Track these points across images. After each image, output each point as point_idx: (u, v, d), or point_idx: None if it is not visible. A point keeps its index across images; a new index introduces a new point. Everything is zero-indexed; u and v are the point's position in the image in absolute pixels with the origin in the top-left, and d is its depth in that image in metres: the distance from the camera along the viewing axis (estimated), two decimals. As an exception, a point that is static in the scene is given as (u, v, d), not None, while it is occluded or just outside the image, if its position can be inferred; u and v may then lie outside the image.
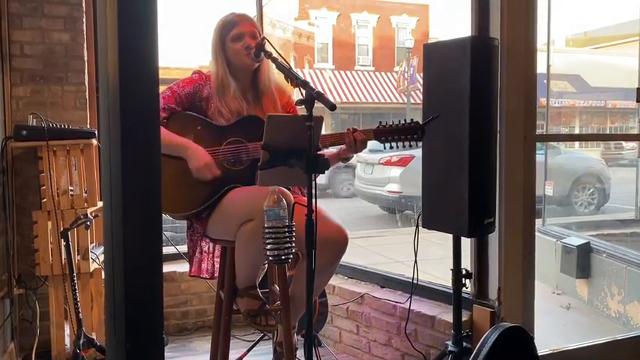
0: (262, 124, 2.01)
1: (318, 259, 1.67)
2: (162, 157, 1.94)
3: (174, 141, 2.02)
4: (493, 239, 2.38)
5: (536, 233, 2.48)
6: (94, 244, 2.73)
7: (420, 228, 2.30)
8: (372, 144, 2.04)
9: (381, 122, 2.00)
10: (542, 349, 2.31)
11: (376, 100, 18.03)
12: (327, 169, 1.67)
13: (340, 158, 2.07)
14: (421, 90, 2.60)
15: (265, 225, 1.80)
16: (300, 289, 2.06)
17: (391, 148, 2.00)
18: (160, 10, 1.15)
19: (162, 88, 2.07)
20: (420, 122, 2.00)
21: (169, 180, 2.03)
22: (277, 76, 2.15)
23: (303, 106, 1.66)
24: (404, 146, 2.00)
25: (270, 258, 1.82)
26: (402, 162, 7.66)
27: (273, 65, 2.01)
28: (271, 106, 2.17)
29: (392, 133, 1.97)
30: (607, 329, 3.65)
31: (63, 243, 2.45)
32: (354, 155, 2.12)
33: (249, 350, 2.53)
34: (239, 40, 2.08)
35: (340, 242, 2.03)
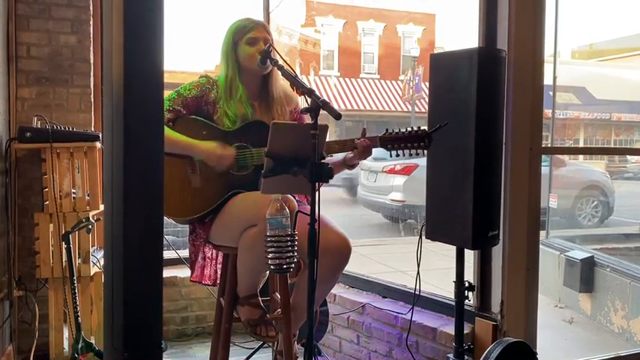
0: (268, 130, 2.01)
1: (319, 268, 1.65)
2: (168, 159, 1.96)
3: (181, 140, 2.01)
4: (497, 252, 2.36)
5: (540, 246, 2.46)
6: (95, 247, 2.72)
7: (423, 238, 2.28)
8: (376, 151, 2.03)
9: (387, 129, 1.99)
10: (544, 364, 2.29)
11: (381, 108, 18.03)
12: (332, 178, 1.65)
13: (346, 165, 2.06)
14: (426, 99, 2.59)
15: (267, 233, 1.79)
16: (301, 298, 2.04)
17: (397, 155, 1.99)
18: (166, 14, 1.14)
19: (167, 92, 2.06)
20: (427, 130, 1.98)
21: (174, 184, 2.02)
22: (284, 83, 2.15)
23: (309, 114, 1.66)
24: (410, 154, 1.98)
25: (272, 267, 1.80)
26: (406, 170, 7.64)
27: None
28: (281, 113, 2.17)
29: (398, 140, 1.95)
30: (610, 345, 3.62)
31: (64, 246, 2.44)
32: (359, 163, 2.11)
33: (248, 358, 2.51)
34: (253, 45, 2.08)
35: (343, 252, 2.02)
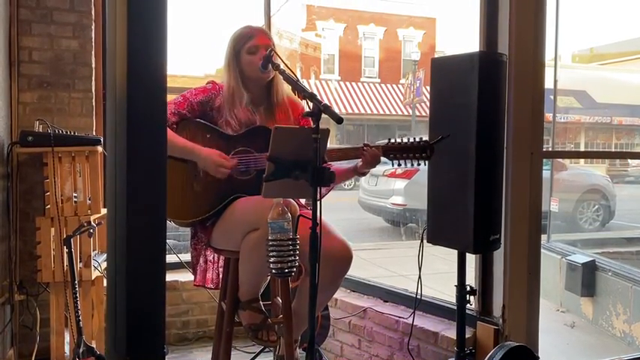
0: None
1: (321, 275, 1.65)
2: (171, 162, 1.96)
3: (182, 144, 2.02)
4: (498, 256, 2.36)
5: (541, 250, 2.46)
6: (97, 251, 2.72)
7: (425, 242, 2.28)
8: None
9: (390, 139, 1.98)
10: (546, 369, 2.29)
11: (381, 112, 18.05)
12: (333, 182, 1.65)
13: (357, 173, 2.05)
14: (427, 103, 2.59)
15: (269, 237, 1.79)
16: (302, 304, 2.04)
17: (399, 165, 1.98)
18: (168, 18, 1.14)
19: (170, 96, 2.07)
20: (428, 139, 1.97)
21: (176, 187, 2.03)
22: (288, 88, 2.15)
23: (310, 118, 1.66)
24: (412, 165, 1.98)
25: (274, 271, 1.80)
26: (407, 174, 7.64)
27: None
28: (285, 117, 2.17)
29: (401, 150, 1.95)
30: (612, 349, 3.61)
31: (65, 250, 2.44)
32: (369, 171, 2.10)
33: (249, 362, 2.51)
34: (254, 53, 2.09)
35: (344, 259, 2.01)
